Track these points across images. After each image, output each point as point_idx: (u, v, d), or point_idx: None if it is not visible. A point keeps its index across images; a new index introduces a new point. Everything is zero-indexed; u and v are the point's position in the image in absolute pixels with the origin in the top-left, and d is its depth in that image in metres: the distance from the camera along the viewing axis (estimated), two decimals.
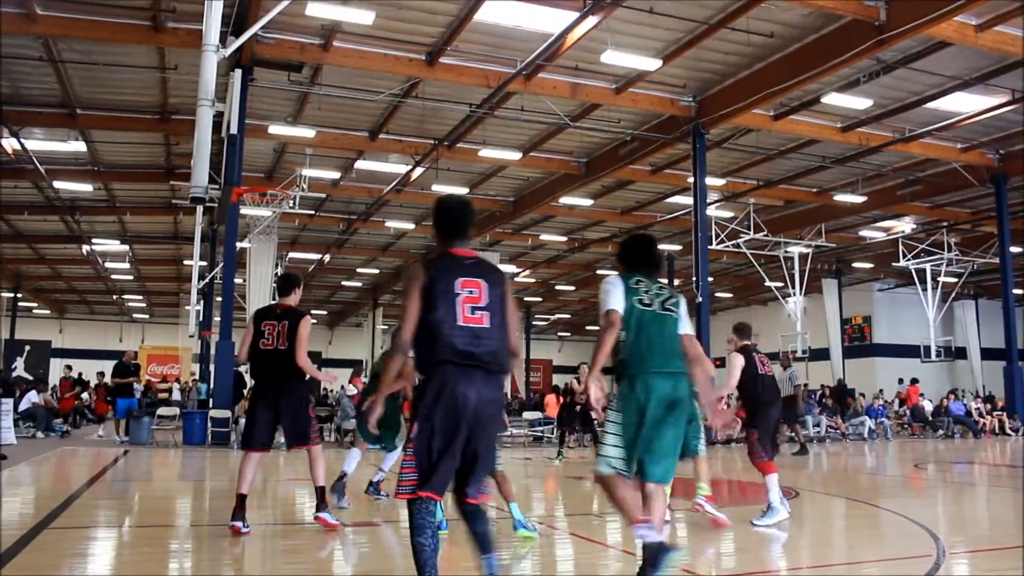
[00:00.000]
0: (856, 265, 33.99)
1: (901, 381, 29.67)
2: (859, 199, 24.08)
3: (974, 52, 15.45)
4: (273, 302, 7.18)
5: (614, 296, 4.98)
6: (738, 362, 7.76)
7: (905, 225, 28.27)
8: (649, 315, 4.82)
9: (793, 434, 18.05)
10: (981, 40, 14.53)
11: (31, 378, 29.25)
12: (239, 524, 6.51)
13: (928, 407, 25.50)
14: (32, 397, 19.92)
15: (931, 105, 18.12)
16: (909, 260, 27.37)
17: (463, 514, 4.02)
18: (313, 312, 48.33)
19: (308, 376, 6.80)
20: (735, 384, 7.74)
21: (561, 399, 20.60)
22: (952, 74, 16.84)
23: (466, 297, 3.96)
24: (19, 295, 39.85)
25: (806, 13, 14.79)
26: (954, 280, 28.48)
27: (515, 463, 15.17)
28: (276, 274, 26.19)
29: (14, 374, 32.89)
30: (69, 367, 23.69)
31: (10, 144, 20.03)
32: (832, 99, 17.50)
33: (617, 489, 4.59)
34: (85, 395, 27.36)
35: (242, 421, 16.56)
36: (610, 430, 4.65)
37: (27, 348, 39.13)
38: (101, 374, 26.11)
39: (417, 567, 3.83)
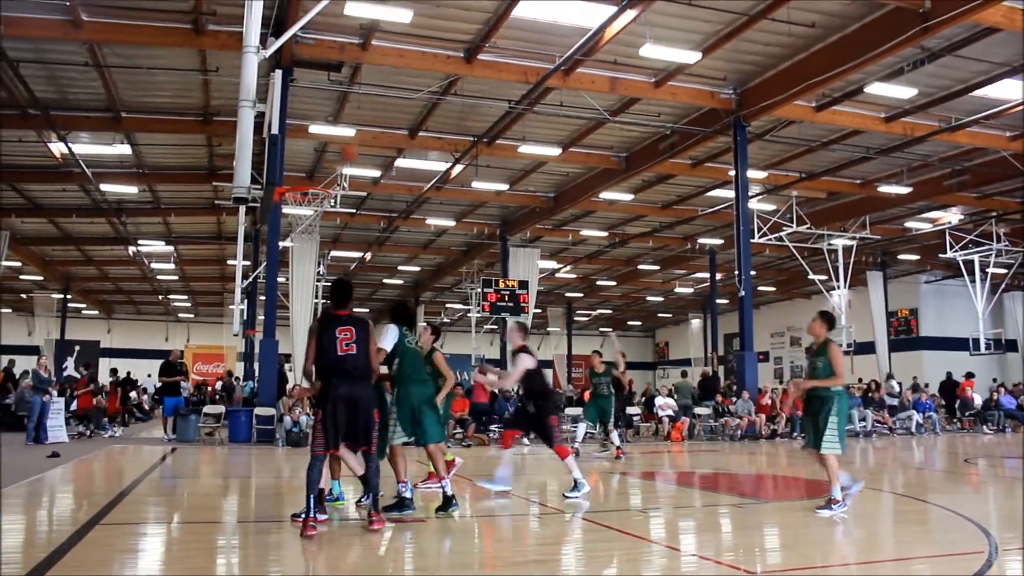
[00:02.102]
0: (902, 257, 33.43)
1: (949, 375, 29.13)
2: (904, 190, 23.68)
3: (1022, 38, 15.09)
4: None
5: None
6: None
7: (952, 216, 27.73)
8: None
9: None
10: None
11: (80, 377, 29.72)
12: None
13: (978, 400, 25.00)
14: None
15: (978, 93, 17.74)
16: (956, 251, 26.86)
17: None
18: (354, 311, 48.85)
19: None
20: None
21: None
22: (1000, 61, 16.45)
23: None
24: (68, 296, 40.65)
25: (848, 1, 14.58)
26: (1003, 271, 27.91)
27: (556, 458, 15.12)
28: (319, 273, 26.55)
29: (64, 374, 33.51)
30: (87, 365, 23.98)
31: (58, 148, 20.42)
32: (875, 89, 17.22)
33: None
34: (133, 394, 27.88)
35: (287, 419, 16.81)
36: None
37: (77, 348, 39.84)
38: (114, 371, 26.64)
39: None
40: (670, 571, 5.89)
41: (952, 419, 25.01)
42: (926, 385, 26.98)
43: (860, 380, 27.51)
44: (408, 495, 7.72)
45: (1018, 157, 21.24)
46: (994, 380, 28.01)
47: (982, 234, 26.66)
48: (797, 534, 7.35)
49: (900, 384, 25.96)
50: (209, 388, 27.97)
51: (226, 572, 5.87)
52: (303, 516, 6.63)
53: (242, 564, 6.10)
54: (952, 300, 33.74)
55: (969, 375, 26.53)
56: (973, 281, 27.05)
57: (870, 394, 24.34)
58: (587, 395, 16.49)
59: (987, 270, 26.97)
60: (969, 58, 16.30)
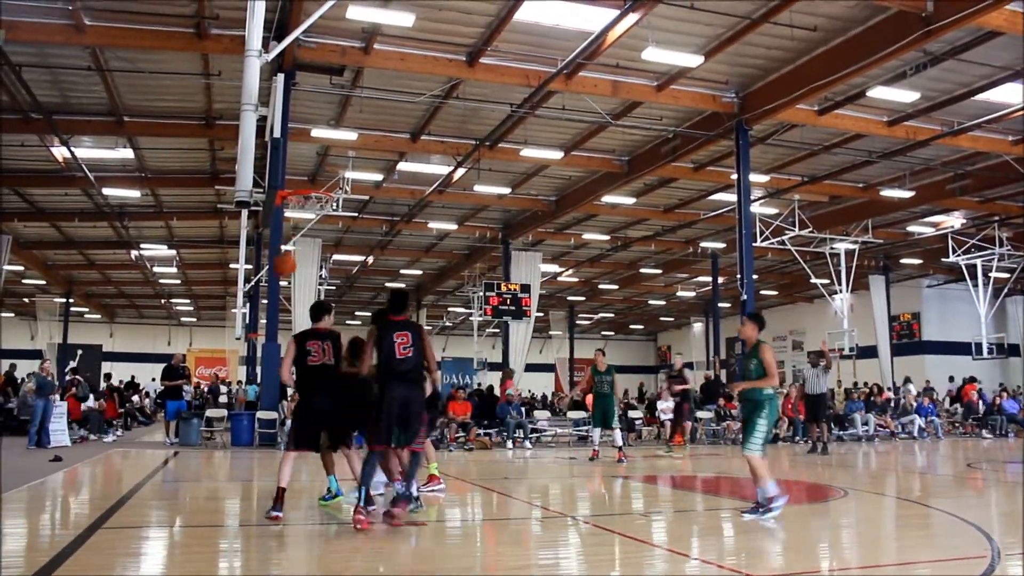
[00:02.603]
0: (904, 261, 33.38)
1: (952, 379, 29.10)
2: (907, 194, 23.64)
3: None
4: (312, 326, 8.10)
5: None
6: None
7: (955, 220, 27.69)
8: None
9: (819, 432, 17.80)
10: None
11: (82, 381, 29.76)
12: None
13: (980, 406, 24.96)
14: (88, 402, 20.29)
15: (981, 97, 17.71)
16: (959, 256, 26.82)
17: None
18: (356, 314, 49.06)
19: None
20: None
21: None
22: (1002, 64, 16.42)
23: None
24: (71, 300, 40.69)
25: (851, 5, 14.57)
26: (1006, 275, 27.86)
27: (559, 462, 15.16)
28: (321, 276, 26.57)
29: (67, 378, 33.53)
30: (74, 371, 23.91)
31: (60, 153, 20.45)
32: (878, 92, 17.20)
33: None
34: (136, 398, 27.93)
35: (289, 422, 16.79)
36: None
37: (79, 352, 39.85)
38: (108, 375, 26.69)
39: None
40: (673, 575, 5.88)
41: (965, 423, 24.96)
42: (932, 391, 26.95)
43: (864, 383, 27.49)
44: (411, 492, 7.81)
45: (1021, 161, 21.21)
46: (1000, 385, 28.00)
47: (985, 238, 26.63)
48: (799, 538, 7.34)
49: (910, 388, 25.93)
50: (201, 388, 28.10)
51: (228, 575, 5.87)
52: (354, 505, 7.08)
53: (244, 567, 6.10)
54: (954, 304, 33.70)
55: (971, 379, 26.50)
56: (976, 285, 27.01)
57: (872, 398, 24.34)
58: (589, 399, 16.47)
59: (990, 274, 26.92)
60: (972, 62, 16.27)
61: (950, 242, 26.86)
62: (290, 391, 18.52)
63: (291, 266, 10.16)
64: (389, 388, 7.13)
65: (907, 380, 27.63)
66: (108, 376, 26.61)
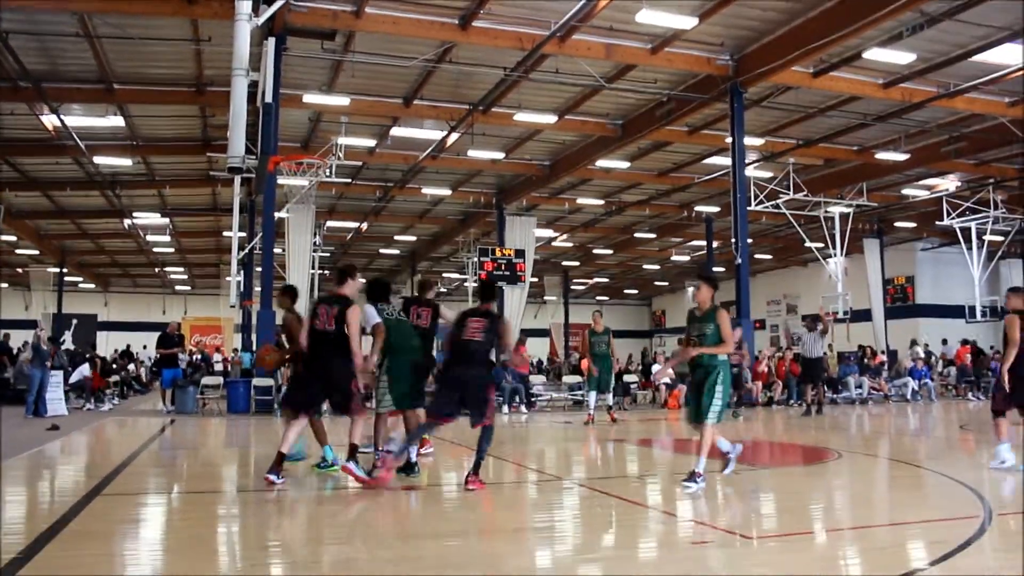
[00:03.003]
0: (898, 224, 33.39)
1: (945, 342, 29.23)
2: (902, 157, 23.58)
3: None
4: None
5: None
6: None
7: (949, 183, 27.66)
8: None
9: (814, 394, 17.94)
10: None
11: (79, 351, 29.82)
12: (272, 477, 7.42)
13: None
14: (83, 370, 20.31)
15: (977, 58, 17.57)
16: (953, 219, 26.82)
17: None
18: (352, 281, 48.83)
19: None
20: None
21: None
22: (1001, 25, 16.27)
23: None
24: (64, 270, 40.57)
25: None
26: (1000, 239, 27.88)
27: (555, 426, 15.24)
28: (315, 243, 26.51)
29: (62, 347, 33.57)
30: (52, 340, 23.57)
31: (50, 121, 20.28)
32: (873, 54, 17.09)
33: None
34: (132, 367, 27.96)
35: (285, 389, 16.85)
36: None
37: (74, 322, 39.81)
38: (92, 346, 26.72)
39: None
40: (667, 536, 5.94)
41: (958, 386, 25.10)
42: (931, 354, 27.08)
43: (860, 347, 27.62)
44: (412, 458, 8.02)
45: (1017, 123, 21.14)
46: (991, 347, 28.12)
47: (979, 201, 26.61)
48: (793, 499, 7.41)
49: (918, 351, 26.04)
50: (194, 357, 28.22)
51: (227, 540, 5.90)
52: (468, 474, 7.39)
53: (242, 532, 6.14)
54: (948, 268, 33.76)
55: (965, 342, 26.62)
56: (970, 248, 27.03)
57: (865, 360, 24.46)
58: (585, 363, 16.51)
59: (984, 237, 26.94)
60: (969, 22, 16.14)
61: (944, 205, 26.85)
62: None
63: (270, 361, 10.16)
64: (451, 367, 7.52)
65: (913, 343, 27.71)
66: (92, 346, 26.67)
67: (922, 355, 25.13)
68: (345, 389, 7.50)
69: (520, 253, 27.80)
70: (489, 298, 7.96)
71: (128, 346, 32.66)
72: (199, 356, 30.43)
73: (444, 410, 7.46)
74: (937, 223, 28.02)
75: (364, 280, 8.47)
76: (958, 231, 27.04)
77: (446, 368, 7.63)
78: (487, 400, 7.47)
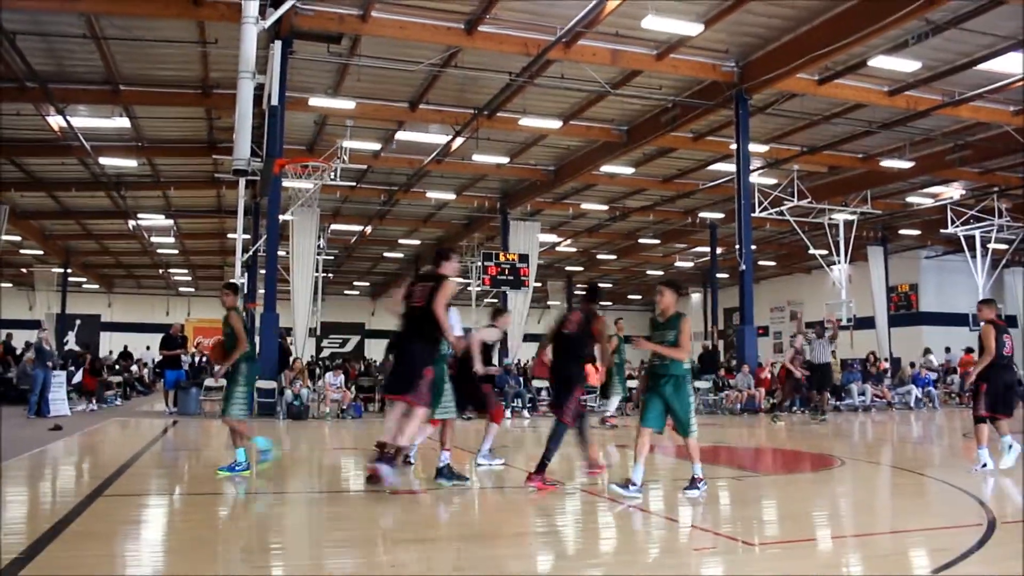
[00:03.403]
0: (902, 232, 33.37)
1: (948, 350, 29.14)
2: (906, 165, 23.59)
3: None
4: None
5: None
6: None
7: (954, 191, 27.63)
8: None
9: (818, 399, 17.90)
10: None
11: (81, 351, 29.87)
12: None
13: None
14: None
15: (982, 67, 17.59)
16: (958, 227, 26.78)
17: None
18: (355, 284, 49.07)
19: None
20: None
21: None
22: (1005, 34, 16.29)
23: None
24: (69, 270, 40.63)
25: None
26: (1004, 247, 27.85)
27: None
28: (319, 246, 26.49)
29: (66, 348, 33.59)
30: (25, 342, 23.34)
31: (56, 122, 20.33)
32: (879, 62, 17.10)
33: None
34: (134, 368, 27.97)
35: (288, 392, 16.87)
36: None
37: (78, 322, 39.82)
38: (86, 346, 26.76)
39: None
40: (669, 542, 5.94)
41: (962, 394, 25.03)
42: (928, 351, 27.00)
43: (872, 354, 27.54)
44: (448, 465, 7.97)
45: (1021, 132, 21.13)
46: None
47: (983, 209, 26.57)
48: (794, 506, 7.40)
49: (931, 359, 25.98)
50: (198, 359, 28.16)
51: (228, 543, 5.90)
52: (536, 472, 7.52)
53: (244, 535, 6.14)
54: (952, 276, 33.71)
55: (969, 350, 26.51)
56: (974, 256, 26.99)
57: (868, 367, 24.39)
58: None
59: (988, 246, 26.90)
60: (974, 31, 16.15)
61: (949, 213, 26.82)
62: (291, 359, 18.60)
63: (214, 357, 9.57)
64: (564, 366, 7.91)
65: (927, 351, 27.62)
66: (86, 346, 26.76)
67: (935, 364, 25.10)
68: (418, 373, 7.29)
69: (524, 258, 27.82)
70: (595, 299, 8.36)
71: (125, 347, 32.58)
72: (204, 358, 30.39)
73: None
74: (941, 231, 28.02)
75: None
76: (962, 239, 26.99)
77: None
78: (570, 397, 7.75)
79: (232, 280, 8.48)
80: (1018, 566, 4.97)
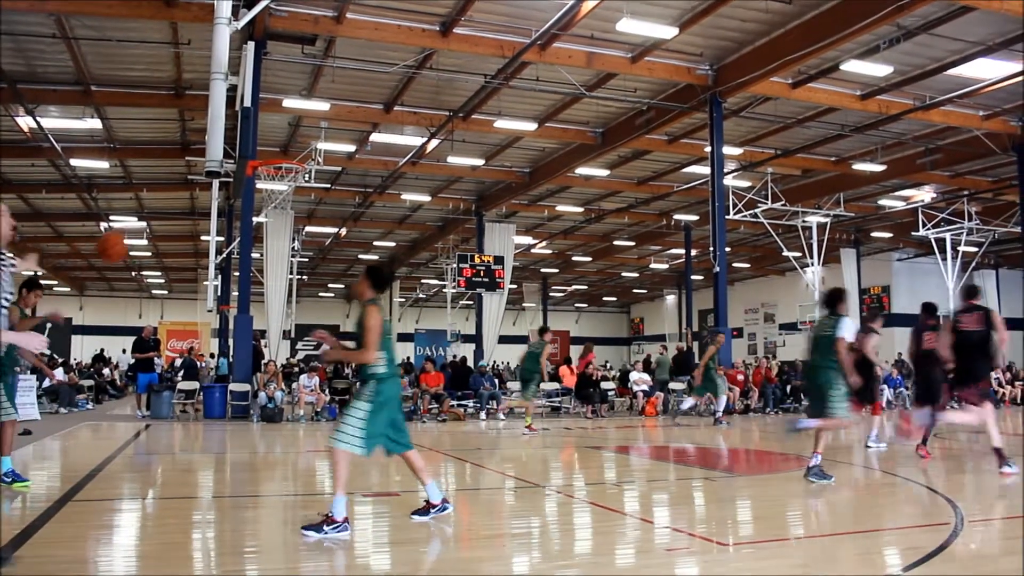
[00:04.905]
0: (875, 235, 33.71)
1: None
2: (878, 168, 23.82)
3: (998, 17, 15.09)
4: None
5: None
6: None
7: (925, 194, 27.95)
8: None
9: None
10: (1006, 5, 14.23)
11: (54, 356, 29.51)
12: None
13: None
14: (58, 374, 20.06)
15: (953, 72, 17.80)
16: (929, 229, 27.08)
17: None
18: (330, 286, 48.89)
19: None
20: None
21: (575, 370, 20.72)
22: (975, 40, 16.51)
23: None
24: (39, 273, 40.15)
25: None
26: (974, 249, 28.19)
27: (532, 433, 15.21)
28: (294, 248, 26.31)
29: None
30: None
31: (26, 122, 20.09)
32: (851, 66, 17.26)
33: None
34: (107, 371, 27.70)
35: (262, 395, 16.77)
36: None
37: (49, 326, 39.44)
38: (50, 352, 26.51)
39: None
40: (644, 543, 5.95)
41: None
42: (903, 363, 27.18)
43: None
44: None
45: (991, 136, 21.44)
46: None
47: (954, 212, 26.89)
48: (768, 506, 7.44)
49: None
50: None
51: (202, 547, 5.86)
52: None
53: (218, 539, 6.09)
54: (924, 278, 34.07)
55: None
56: (945, 259, 27.30)
57: None
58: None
59: (958, 248, 27.19)
60: (945, 36, 16.34)
61: (920, 216, 27.12)
62: (263, 361, 18.50)
63: (117, 251, 6.98)
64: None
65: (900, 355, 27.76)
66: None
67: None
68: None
69: (499, 260, 27.84)
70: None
71: (101, 350, 32.33)
72: (181, 360, 30.08)
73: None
74: (913, 233, 28.31)
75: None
76: (933, 242, 27.29)
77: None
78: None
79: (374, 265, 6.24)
80: (986, 564, 5.03)
